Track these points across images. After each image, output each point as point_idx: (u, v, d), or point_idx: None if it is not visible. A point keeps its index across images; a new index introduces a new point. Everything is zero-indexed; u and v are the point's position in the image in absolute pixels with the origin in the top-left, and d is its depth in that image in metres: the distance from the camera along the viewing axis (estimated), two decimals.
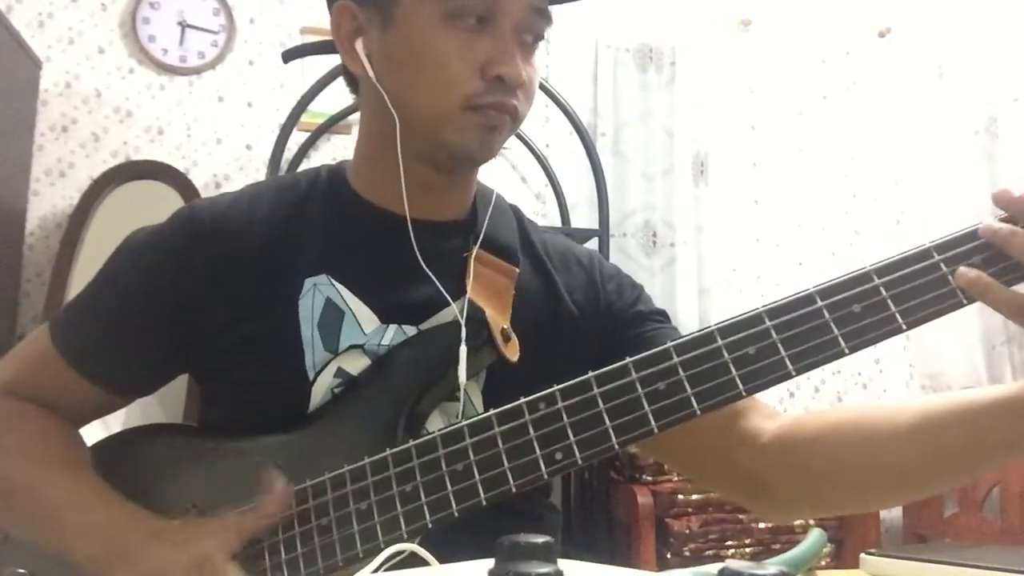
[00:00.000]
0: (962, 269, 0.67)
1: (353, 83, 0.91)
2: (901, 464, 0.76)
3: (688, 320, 2.58)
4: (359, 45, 0.85)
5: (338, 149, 2.56)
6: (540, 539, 0.39)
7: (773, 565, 0.37)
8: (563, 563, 0.39)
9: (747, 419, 0.87)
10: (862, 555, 0.77)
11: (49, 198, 2.37)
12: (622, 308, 0.95)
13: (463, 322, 0.81)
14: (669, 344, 0.70)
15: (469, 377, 0.82)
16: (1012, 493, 2.32)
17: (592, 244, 2.43)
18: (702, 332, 0.70)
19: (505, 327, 0.83)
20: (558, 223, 2.57)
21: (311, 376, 0.82)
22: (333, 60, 0.93)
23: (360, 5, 0.84)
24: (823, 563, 2.24)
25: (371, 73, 0.84)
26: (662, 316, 0.96)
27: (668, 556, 2.19)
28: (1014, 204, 0.68)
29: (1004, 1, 2.62)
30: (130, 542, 0.74)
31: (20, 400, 0.88)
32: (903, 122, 2.85)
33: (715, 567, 0.38)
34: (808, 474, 0.82)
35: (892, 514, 2.74)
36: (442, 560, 0.60)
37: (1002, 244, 0.67)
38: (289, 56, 0.96)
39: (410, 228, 0.86)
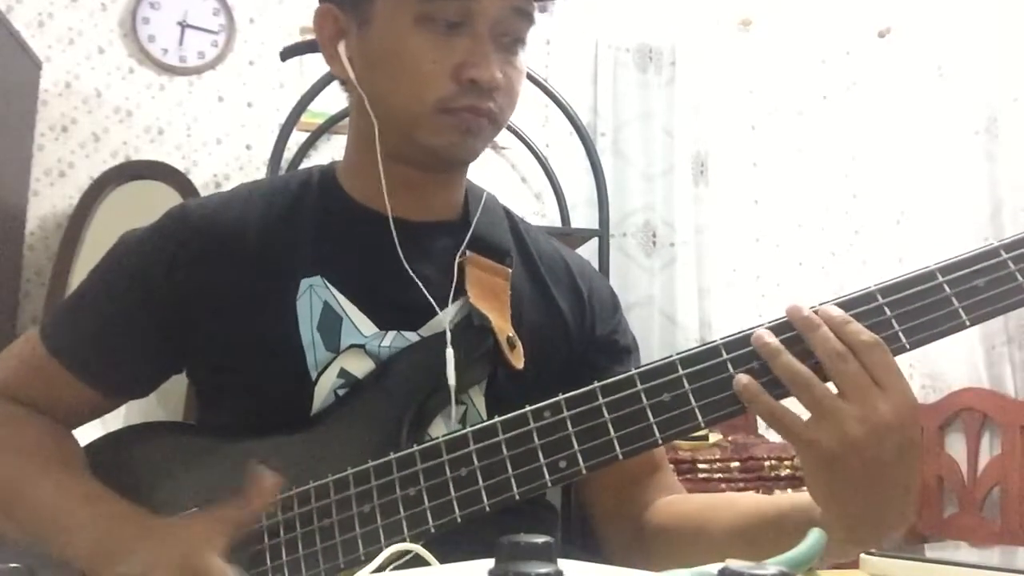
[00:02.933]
0: (738, 375, 0.68)
1: (344, 85, 0.91)
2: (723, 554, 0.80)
3: (688, 320, 2.57)
4: (341, 48, 0.85)
5: (338, 149, 2.55)
6: (540, 539, 0.39)
7: (773, 565, 0.37)
8: (563, 563, 0.39)
9: (654, 481, 0.92)
10: (862, 555, 0.77)
11: (49, 198, 2.37)
12: (601, 334, 0.95)
13: (448, 328, 0.81)
14: (675, 356, 0.71)
15: (471, 385, 0.82)
16: (1012, 493, 2.32)
17: (592, 244, 2.43)
18: (707, 346, 0.71)
19: (511, 335, 0.83)
20: (558, 223, 2.57)
21: (313, 376, 0.82)
22: None
23: (341, 8, 0.84)
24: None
25: (352, 76, 0.84)
26: (631, 352, 0.97)
27: None
28: (797, 322, 0.68)
29: (1004, 1, 2.62)
30: (120, 538, 0.74)
31: (11, 402, 0.88)
32: (903, 122, 2.85)
33: (715, 567, 0.38)
34: (646, 550, 0.88)
35: None
36: (441, 560, 0.60)
37: (767, 358, 0.67)
38: (287, 54, 0.96)
39: (393, 229, 0.86)
